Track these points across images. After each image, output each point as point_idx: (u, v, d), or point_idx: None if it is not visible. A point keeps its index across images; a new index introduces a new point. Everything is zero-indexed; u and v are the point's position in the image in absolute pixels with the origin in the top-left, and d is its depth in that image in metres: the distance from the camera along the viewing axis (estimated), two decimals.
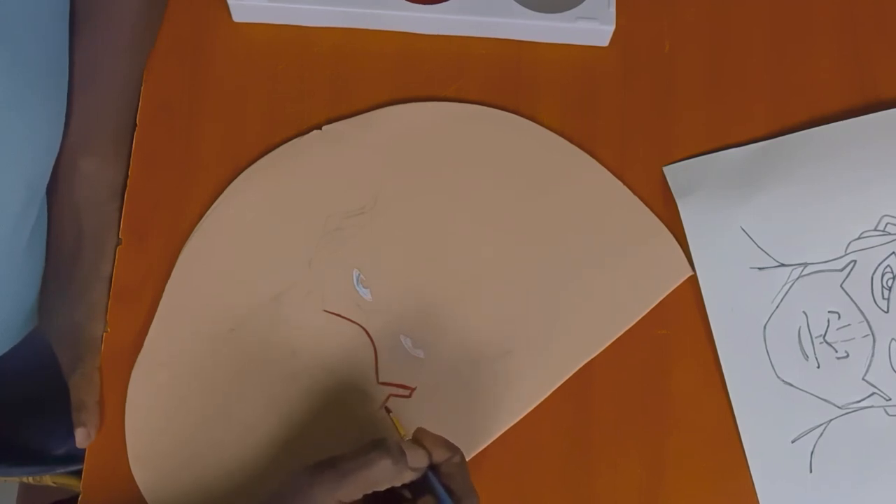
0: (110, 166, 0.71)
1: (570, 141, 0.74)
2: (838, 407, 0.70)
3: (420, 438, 0.60)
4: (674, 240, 0.72)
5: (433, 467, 0.60)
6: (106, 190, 0.71)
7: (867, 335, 0.70)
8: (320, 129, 0.73)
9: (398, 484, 0.59)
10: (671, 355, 0.70)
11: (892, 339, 0.70)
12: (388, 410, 0.67)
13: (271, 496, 0.59)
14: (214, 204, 0.72)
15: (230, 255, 0.71)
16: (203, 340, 0.69)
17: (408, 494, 0.60)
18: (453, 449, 0.60)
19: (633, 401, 0.69)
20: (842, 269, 0.71)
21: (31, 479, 0.91)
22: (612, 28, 0.74)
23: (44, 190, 0.69)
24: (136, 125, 0.73)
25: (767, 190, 0.72)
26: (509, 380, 0.69)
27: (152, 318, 0.69)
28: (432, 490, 0.59)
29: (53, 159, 0.68)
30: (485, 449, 0.68)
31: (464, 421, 0.68)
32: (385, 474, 0.58)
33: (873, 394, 0.70)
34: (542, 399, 0.69)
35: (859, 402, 0.70)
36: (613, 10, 0.74)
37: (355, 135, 0.73)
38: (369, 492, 0.58)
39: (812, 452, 0.69)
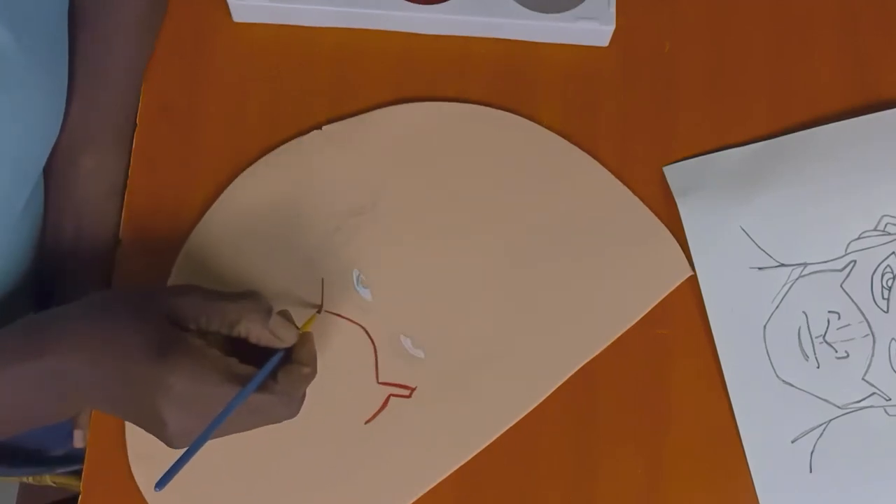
0: (110, 164, 0.71)
1: (570, 141, 0.74)
2: (838, 407, 0.70)
3: (302, 337, 0.62)
4: (674, 240, 0.72)
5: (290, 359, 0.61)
6: (105, 187, 0.71)
7: (867, 335, 0.70)
8: (320, 129, 0.73)
9: (253, 339, 0.60)
10: (671, 355, 0.70)
11: (892, 339, 0.70)
12: (319, 311, 0.69)
13: (142, 286, 0.64)
14: (214, 204, 0.72)
15: (230, 255, 0.71)
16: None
17: None
18: (312, 364, 0.61)
19: (634, 401, 0.69)
20: (842, 269, 0.71)
21: (31, 479, 0.91)
22: (612, 28, 0.74)
23: (38, 174, 0.68)
24: (136, 125, 0.73)
25: (767, 190, 0.72)
26: (509, 380, 0.69)
27: None
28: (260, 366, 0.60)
29: (49, 142, 0.67)
30: (485, 449, 0.68)
31: (464, 421, 0.68)
32: (243, 318, 0.60)
33: (873, 394, 0.70)
34: (542, 399, 0.69)
35: (859, 402, 0.70)
36: (613, 10, 0.74)
37: (355, 135, 0.73)
38: (225, 331, 0.60)
39: (812, 452, 0.69)
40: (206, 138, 0.73)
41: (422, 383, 0.69)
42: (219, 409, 0.57)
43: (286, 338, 0.61)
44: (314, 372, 0.62)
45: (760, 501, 0.68)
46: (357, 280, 0.70)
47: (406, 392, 0.69)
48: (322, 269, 0.70)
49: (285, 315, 0.62)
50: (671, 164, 0.74)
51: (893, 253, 0.72)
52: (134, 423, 0.60)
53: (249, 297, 0.61)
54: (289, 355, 0.61)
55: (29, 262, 0.72)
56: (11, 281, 0.71)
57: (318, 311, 0.69)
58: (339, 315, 0.70)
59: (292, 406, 0.61)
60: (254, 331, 0.60)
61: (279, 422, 0.61)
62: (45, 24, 0.65)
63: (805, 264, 0.71)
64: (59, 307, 0.61)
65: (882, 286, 0.71)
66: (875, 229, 0.72)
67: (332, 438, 0.68)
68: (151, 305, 0.59)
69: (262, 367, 0.59)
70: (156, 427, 0.58)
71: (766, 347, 0.70)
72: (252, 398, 0.58)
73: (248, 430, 0.60)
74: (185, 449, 0.57)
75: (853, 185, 0.72)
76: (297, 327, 0.62)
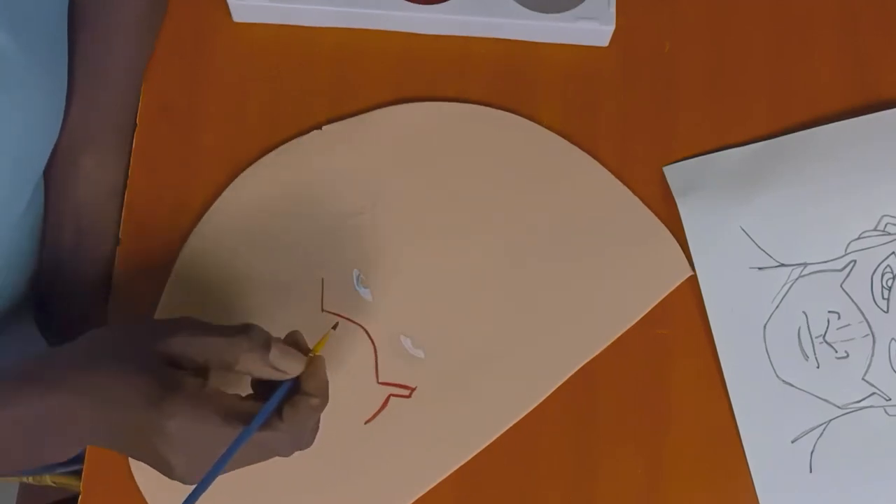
0: (110, 164, 0.71)
1: (570, 141, 0.74)
2: (838, 407, 0.70)
3: (312, 363, 0.59)
4: (674, 240, 0.72)
5: (298, 389, 0.58)
6: (105, 187, 0.71)
7: (867, 335, 0.70)
8: (320, 129, 0.73)
9: (255, 374, 0.58)
10: (671, 355, 0.70)
11: (892, 339, 0.70)
12: (335, 327, 0.65)
13: (135, 325, 0.61)
14: (214, 204, 0.72)
15: (230, 255, 0.71)
16: None
17: None
18: (322, 394, 0.58)
19: (633, 401, 0.69)
20: (842, 269, 0.71)
21: (31, 479, 0.91)
22: (612, 28, 0.74)
23: (38, 174, 0.68)
24: (136, 125, 0.73)
25: (767, 190, 0.72)
26: (509, 380, 0.69)
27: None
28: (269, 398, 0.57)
29: (49, 142, 0.67)
30: (485, 449, 0.68)
31: (464, 421, 0.68)
32: (239, 355, 0.57)
33: (873, 394, 0.70)
34: (542, 399, 0.69)
35: (859, 402, 0.70)
36: (613, 10, 0.74)
37: (355, 135, 0.73)
38: (224, 370, 0.57)
39: (812, 452, 0.69)
40: (206, 138, 0.73)
41: (422, 383, 0.69)
42: (222, 449, 0.55)
43: (291, 369, 0.58)
44: (325, 402, 0.58)
45: (760, 501, 0.68)
46: (357, 280, 0.70)
47: (406, 392, 0.69)
48: (322, 269, 0.70)
49: (295, 338, 0.59)
50: (671, 164, 0.74)
51: (893, 253, 0.72)
52: (144, 462, 0.58)
53: (243, 334, 0.57)
54: (299, 383, 0.58)
55: (29, 262, 0.72)
56: (12, 281, 0.71)
57: (334, 328, 0.65)
58: (339, 315, 0.70)
59: (302, 439, 0.58)
60: (254, 370, 0.58)
61: (290, 454, 0.58)
62: (44, 24, 0.65)
63: (805, 264, 0.71)
64: (57, 348, 0.60)
65: (882, 286, 0.71)
66: (875, 229, 0.72)
67: (332, 438, 0.68)
68: (146, 346, 0.57)
69: (267, 401, 0.56)
70: (163, 469, 0.57)
71: (766, 347, 0.70)
72: (257, 436, 0.56)
73: (258, 462, 0.58)
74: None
75: (853, 185, 0.72)
76: (310, 349, 0.59)
